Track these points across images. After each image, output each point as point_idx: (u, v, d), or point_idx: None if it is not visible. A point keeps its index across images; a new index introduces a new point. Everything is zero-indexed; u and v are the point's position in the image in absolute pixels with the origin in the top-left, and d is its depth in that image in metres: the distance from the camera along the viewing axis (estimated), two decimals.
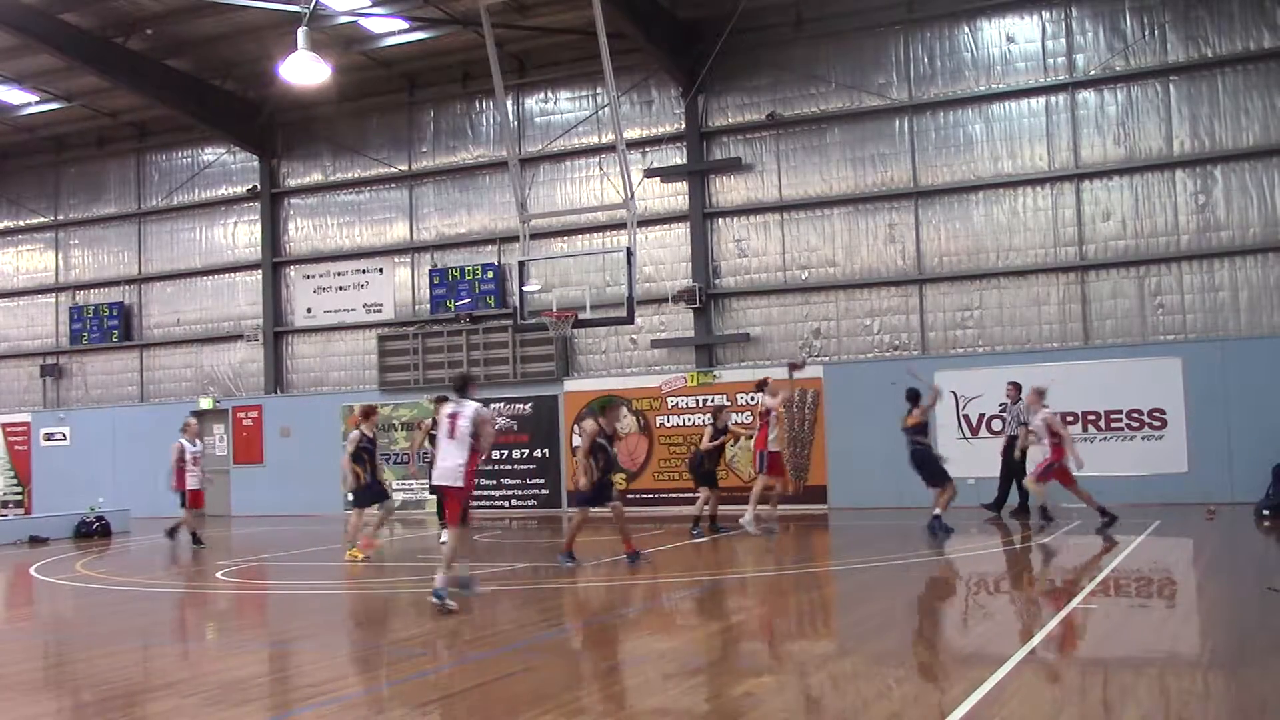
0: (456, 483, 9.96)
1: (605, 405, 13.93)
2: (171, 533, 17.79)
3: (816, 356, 21.04)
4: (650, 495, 21.66)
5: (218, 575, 13.84)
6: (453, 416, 9.99)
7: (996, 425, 19.03)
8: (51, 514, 21.55)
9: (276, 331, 25.66)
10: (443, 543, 12.13)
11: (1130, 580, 10.93)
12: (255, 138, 25.56)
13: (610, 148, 21.23)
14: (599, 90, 22.45)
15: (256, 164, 25.95)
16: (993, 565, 12.90)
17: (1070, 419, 18.95)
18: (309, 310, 25.51)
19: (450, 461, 9.94)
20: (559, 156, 23.16)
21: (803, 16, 21.35)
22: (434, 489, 10.14)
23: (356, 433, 14.43)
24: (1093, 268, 19.47)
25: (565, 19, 21.28)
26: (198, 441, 17.51)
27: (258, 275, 25.93)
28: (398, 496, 23.67)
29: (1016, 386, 17.68)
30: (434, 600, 9.67)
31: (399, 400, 23.88)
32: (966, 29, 20.50)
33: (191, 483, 17.23)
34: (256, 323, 25.78)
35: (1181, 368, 18.42)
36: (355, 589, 10.94)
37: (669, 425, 21.54)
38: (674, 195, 22.31)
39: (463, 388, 10.24)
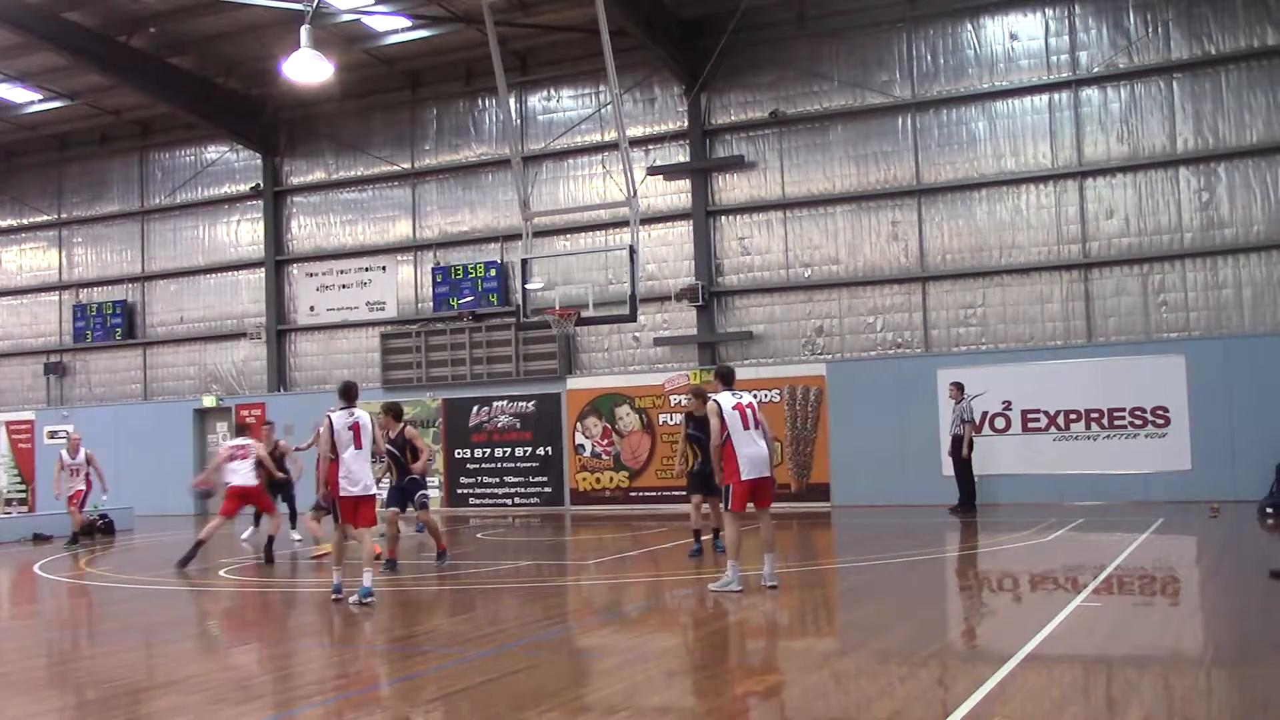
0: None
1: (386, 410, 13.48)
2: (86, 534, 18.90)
3: (820, 354, 21.08)
4: (653, 493, 21.69)
5: (220, 573, 13.85)
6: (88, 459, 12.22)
7: (1000, 423, 19.12)
8: (55, 512, 21.54)
9: (279, 330, 25.69)
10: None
11: (1133, 578, 10.93)
12: (258, 136, 25.59)
13: (613, 145, 21.22)
14: (602, 88, 22.47)
15: (259, 162, 25.96)
16: (994, 563, 12.89)
17: (1073, 416, 19.02)
18: (312, 308, 25.53)
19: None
20: (562, 154, 23.16)
21: (805, 14, 21.34)
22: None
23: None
24: (1096, 265, 19.45)
25: (568, 17, 21.28)
26: (78, 454, 18.36)
27: (261, 273, 25.96)
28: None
29: (959, 387, 18.29)
30: None
31: (402, 399, 23.84)
32: (969, 26, 20.48)
33: (65, 489, 18.33)
34: (259, 321, 25.81)
35: (1185, 365, 18.40)
36: (355, 587, 10.91)
37: (672, 423, 21.51)
38: (677, 193, 22.31)
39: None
